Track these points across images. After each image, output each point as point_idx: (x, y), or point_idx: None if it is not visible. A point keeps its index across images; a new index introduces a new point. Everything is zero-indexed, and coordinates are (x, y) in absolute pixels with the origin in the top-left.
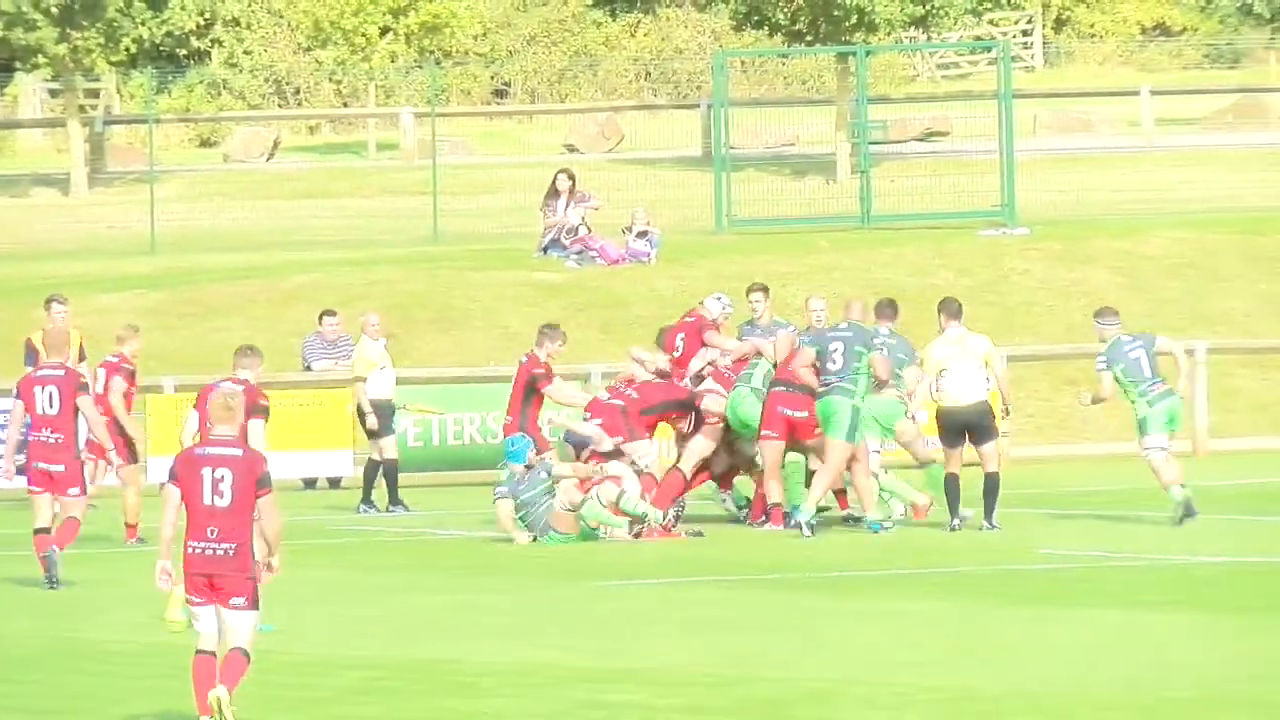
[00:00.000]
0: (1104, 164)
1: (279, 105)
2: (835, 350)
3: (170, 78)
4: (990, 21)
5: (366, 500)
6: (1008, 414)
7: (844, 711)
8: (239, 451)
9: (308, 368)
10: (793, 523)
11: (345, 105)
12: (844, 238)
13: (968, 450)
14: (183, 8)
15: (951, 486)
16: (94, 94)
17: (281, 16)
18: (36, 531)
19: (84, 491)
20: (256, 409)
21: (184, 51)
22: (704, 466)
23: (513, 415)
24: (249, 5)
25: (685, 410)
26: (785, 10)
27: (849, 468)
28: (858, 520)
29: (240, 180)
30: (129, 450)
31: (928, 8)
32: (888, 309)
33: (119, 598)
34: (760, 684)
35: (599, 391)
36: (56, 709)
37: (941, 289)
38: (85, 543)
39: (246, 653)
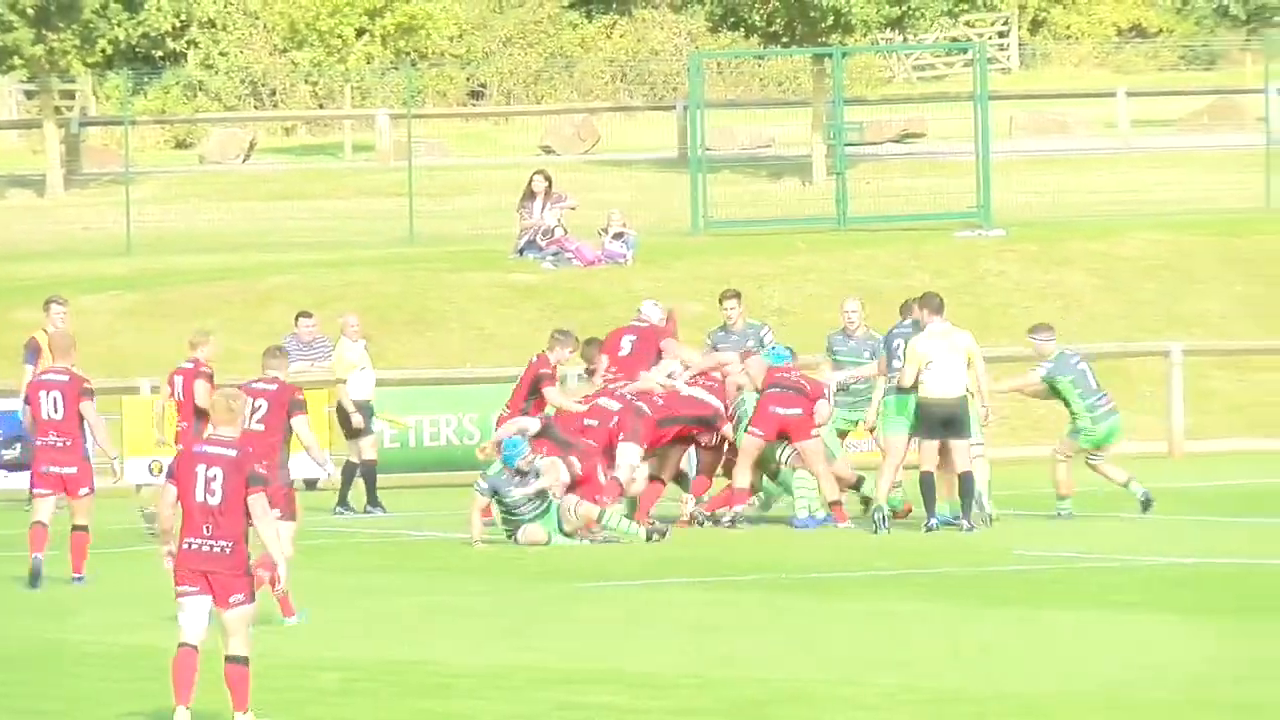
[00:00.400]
0: (1080, 165)
1: (255, 107)
2: (899, 348)
3: (146, 79)
4: (966, 23)
5: (342, 502)
6: (987, 418)
7: (826, 712)
8: (233, 452)
9: None
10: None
11: (321, 107)
12: (820, 239)
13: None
14: (159, 9)
15: (926, 485)
16: (70, 95)
17: (257, 18)
18: (34, 524)
19: (93, 491)
20: (296, 405)
21: (160, 53)
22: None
23: (511, 410)
24: (225, 7)
25: (708, 427)
26: (761, 12)
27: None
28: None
29: (216, 182)
30: None
31: (904, 9)
32: (934, 301)
33: (100, 598)
34: (742, 685)
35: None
36: (37, 710)
37: (917, 291)
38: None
39: (245, 659)
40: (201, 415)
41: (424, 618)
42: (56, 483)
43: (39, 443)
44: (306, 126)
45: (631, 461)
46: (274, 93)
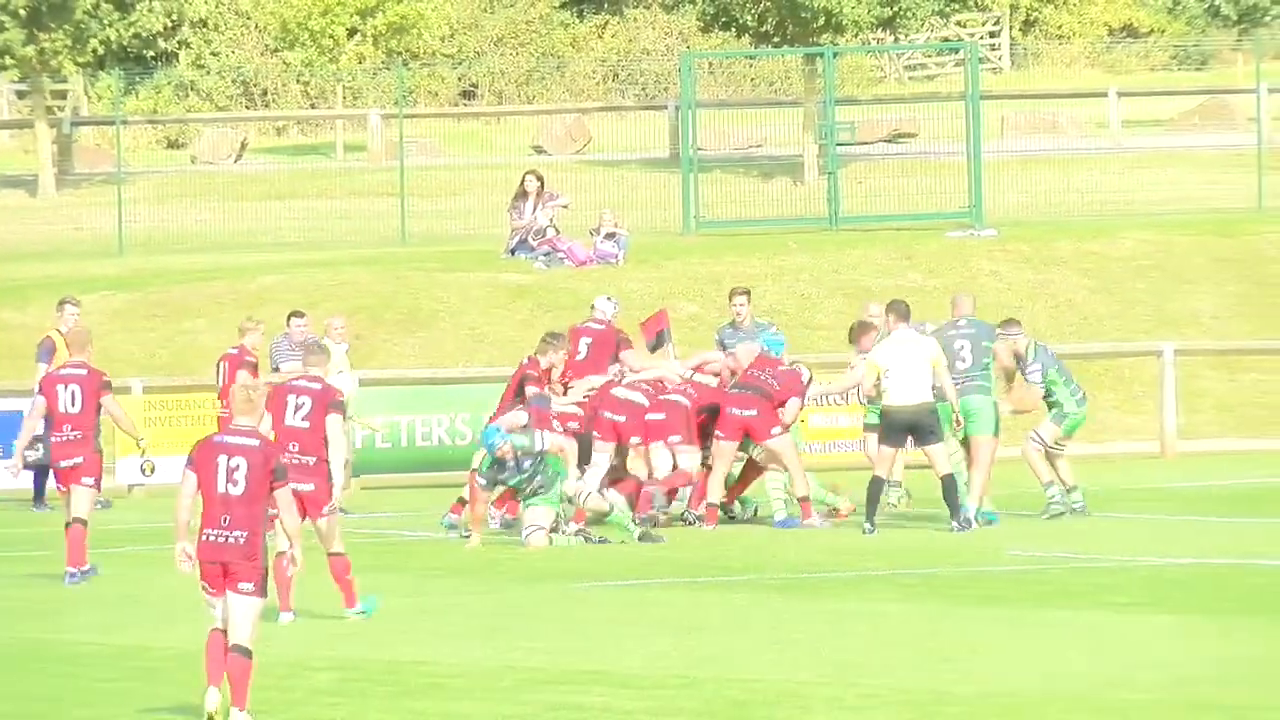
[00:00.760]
0: (1071, 165)
1: (246, 107)
2: (962, 348)
3: (138, 79)
4: (958, 23)
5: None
6: (959, 423)
7: (814, 713)
8: (256, 442)
9: (275, 369)
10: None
11: (313, 107)
12: (811, 239)
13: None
14: (150, 9)
15: (874, 489)
16: (61, 95)
17: (249, 18)
18: (68, 525)
19: (98, 484)
20: (334, 404)
21: (151, 53)
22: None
23: (498, 413)
24: (216, 7)
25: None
26: (752, 12)
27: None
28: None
29: (208, 182)
30: None
31: (895, 9)
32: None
33: (90, 599)
34: (730, 685)
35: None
36: (21, 712)
37: (909, 290)
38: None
39: (248, 651)
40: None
41: (416, 618)
42: (69, 476)
43: (55, 438)
44: (298, 126)
45: (694, 464)
46: (265, 93)
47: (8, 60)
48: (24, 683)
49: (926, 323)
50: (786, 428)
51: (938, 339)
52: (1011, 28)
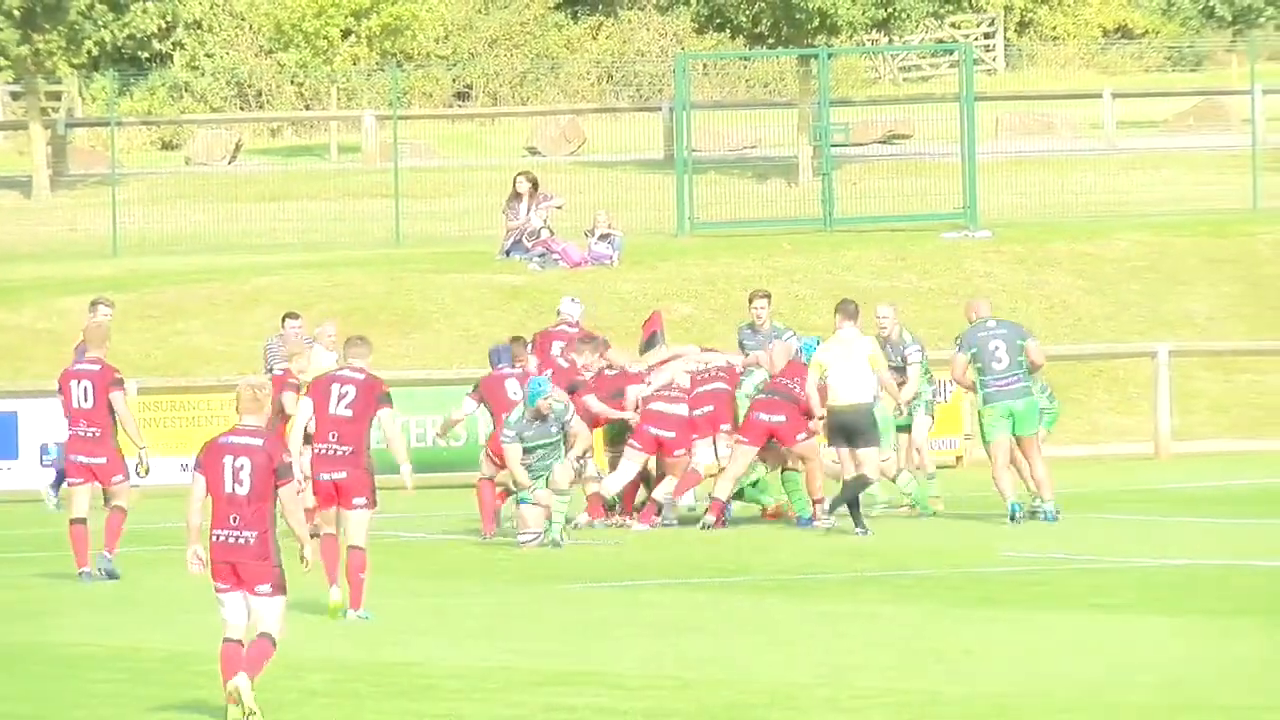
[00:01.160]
0: (1066, 167)
1: (241, 108)
2: (997, 349)
3: (132, 80)
4: (952, 24)
5: None
6: (903, 414)
7: (808, 714)
8: (260, 441)
9: (270, 370)
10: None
11: (307, 108)
12: (806, 240)
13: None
14: (145, 10)
15: (849, 492)
16: (56, 97)
17: (243, 19)
18: (73, 522)
19: (128, 477)
20: (383, 398)
21: (146, 54)
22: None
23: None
24: (211, 8)
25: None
26: (747, 13)
27: (1026, 455)
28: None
29: (202, 183)
30: None
31: (890, 11)
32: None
33: (85, 600)
34: (724, 687)
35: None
36: (12, 713)
37: (903, 292)
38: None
39: (273, 639)
40: (281, 417)
41: (410, 619)
42: (87, 473)
43: (70, 433)
44: (292, 128)
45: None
46: (260, 94)
47: (2, 61)
48: (15, 684)
49: (791, 330)
50: (813, 433)
51: (969, 341)
52: (1006, 29)
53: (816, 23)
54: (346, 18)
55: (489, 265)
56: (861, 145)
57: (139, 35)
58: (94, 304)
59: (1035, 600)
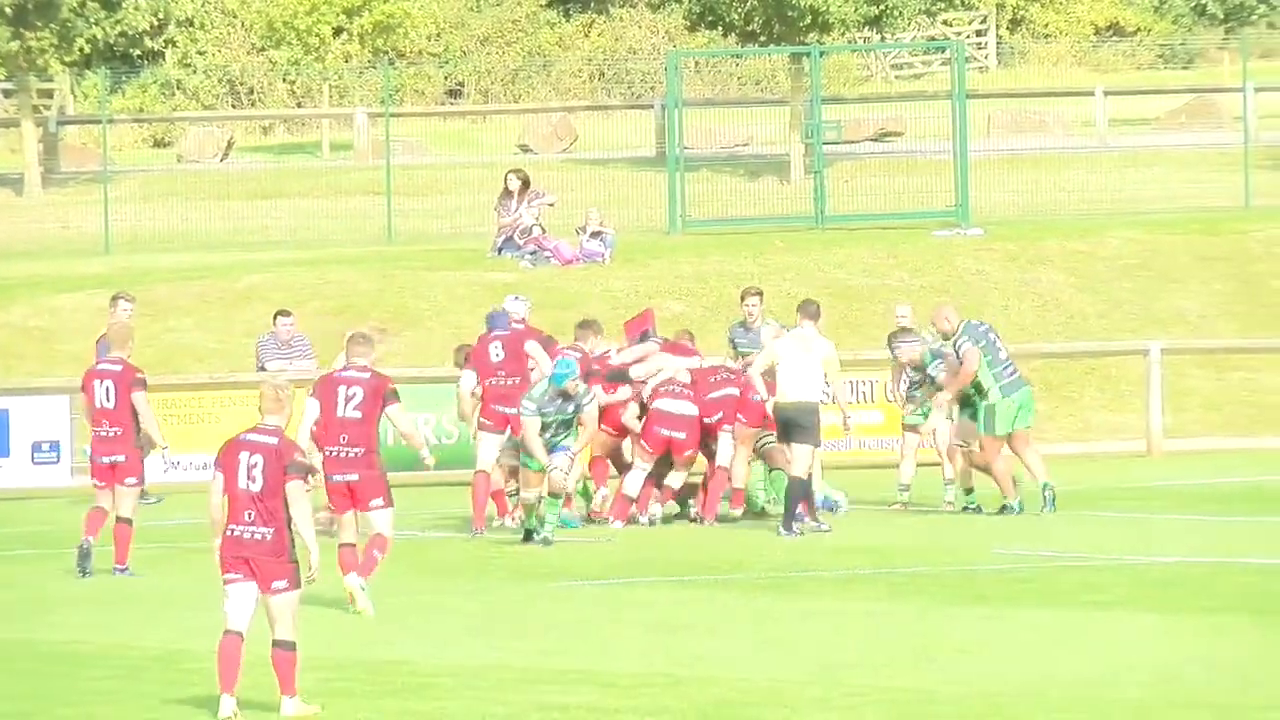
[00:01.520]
0: (1058, 164)
1: (233, 105)
2: (996, 342)
3: (124, 78)
4: (944, 22)
5: None
6: (847, 428)
7: (800, 712)
8: (275, 440)
9: (262, 368)
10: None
11: (299, 105)
12: (798, 238)
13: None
14: (136, 8)
15: (796, 490)
16: (48, 94)
17: (235, 17)
18: (93, 508)
19: (140, 482)
20: (390, 395)
21: (138, 52)
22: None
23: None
24: (203, 5)
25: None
26: (739, 10)
27: (1015, 450)
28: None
29: (194, 180)
30: None
31: (881, 8)
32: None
33: (80, 598)
34: (716, 685)
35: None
36: (5, 711)
37: (895, 290)
38: (50, 542)
39: (291, 644)
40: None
41: (401, 617)
42: (108, 473)
43: (93, 433)
44: (284, 125)
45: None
46: (252, 91)
47: None
48: (9, 681)
49: (779, 323)
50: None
51: (975, 337)
52: (998, 26)
53: (808, 20)
54: (338, 15)
55: (481, 263)
56: (853, 143)
57: (131, 33)
58: (114, 299)
59: (1027, 597)
